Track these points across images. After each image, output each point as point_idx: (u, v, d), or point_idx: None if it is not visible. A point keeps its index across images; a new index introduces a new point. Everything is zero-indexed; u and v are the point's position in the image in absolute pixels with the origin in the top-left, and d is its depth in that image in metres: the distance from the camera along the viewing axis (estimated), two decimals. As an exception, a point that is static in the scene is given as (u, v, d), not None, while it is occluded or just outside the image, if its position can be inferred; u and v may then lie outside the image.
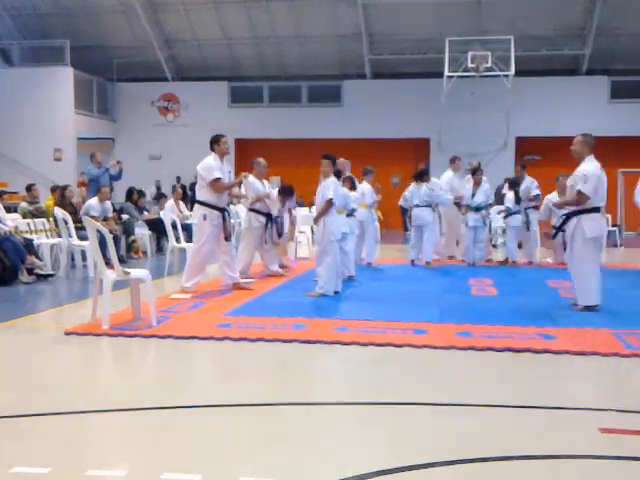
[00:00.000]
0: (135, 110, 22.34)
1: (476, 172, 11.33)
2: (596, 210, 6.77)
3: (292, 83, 22.10)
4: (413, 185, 11.25)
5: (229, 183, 8.21)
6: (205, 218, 7.98)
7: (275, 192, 9.56)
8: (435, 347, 5.41)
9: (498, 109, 19.65)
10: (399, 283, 9.22)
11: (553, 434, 3.65)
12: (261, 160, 9.46)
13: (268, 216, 9.29)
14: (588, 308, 6.84)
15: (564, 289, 8.33)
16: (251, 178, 9.10)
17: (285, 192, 9.71)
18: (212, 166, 7.95)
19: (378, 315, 6.67)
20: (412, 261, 11.27)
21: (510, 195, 11.39)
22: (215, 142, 8.07)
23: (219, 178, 7.93)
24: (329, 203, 7.80)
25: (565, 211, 7.01)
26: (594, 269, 6.81)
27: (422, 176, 11.22)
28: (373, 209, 11.19)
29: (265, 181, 9.55)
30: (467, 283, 9.18)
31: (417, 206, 11.09)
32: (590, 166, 6.73)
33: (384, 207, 16.94)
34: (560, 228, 7.11)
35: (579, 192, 6.62)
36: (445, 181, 11.87)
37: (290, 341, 5.57)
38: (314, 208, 8.30)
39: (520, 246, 11.67)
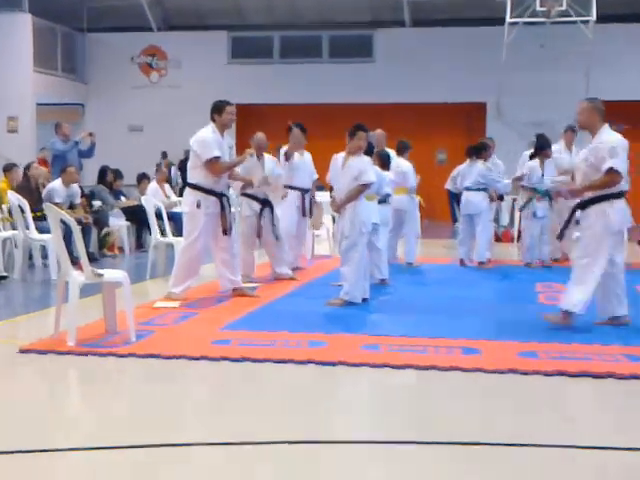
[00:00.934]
0: (111, 68, 22.45)
1: (546, 147, 11.22)
2: (620, 195, 6.70)
3: (309, 33, 22.06)
4: (466, 163, 11.20)
5: (230, 162, 8.21)
6: (198, 206, 7.99)
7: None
8: (491, 371, 5.39)
9: (575, 65, 19.47)
10: (444, 288, 9.21)
11: (641, 484, 3.63)
12: (258, 135, 9.47)
13: (264, 203, 9.27)
14: (566, 316, 6.73)
15: (658, 297, 8.26)
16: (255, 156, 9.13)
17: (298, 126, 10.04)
18: (209, 141, 7.93)
19: (417, 330, 6.65)
20: (461, 260, 11.24)
21: None
22: (217, 111, 8.05)
23: (218, 157, 7.94)
24: (365, 187, 7.79)
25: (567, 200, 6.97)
26: (598, 271, 6.62)
27: (479, 151, 11.15)
28: (413, 194, 11.18)
29: (268, 155, 9.55)
30: (533, 289, 9.14)
31: (468, 189, 11.04)
32: (612, 136, 6.69)
33: (426, 191, 16.90)
34: (569, 222, 7.03)
35: (610, 170, 6.52)
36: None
37: (305, 362, 5.57)
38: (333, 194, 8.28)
39: None
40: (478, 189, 10.99)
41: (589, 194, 6.72)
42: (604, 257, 6.61)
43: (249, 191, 9.18)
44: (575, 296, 6.66)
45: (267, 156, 9.55)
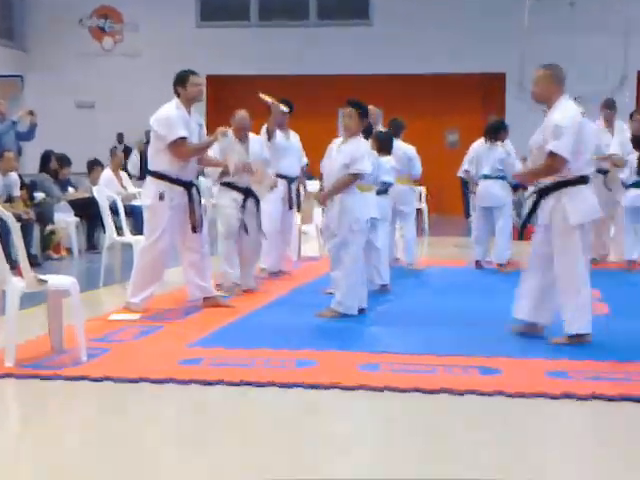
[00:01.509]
0: (55, 33, 22.38)
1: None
2: (582, 181, 6.72)
3: (294, -10, 22.10)
4: (482, 144, 11.18)
5: (199, 144, 8.20)
6: (162, 197, 7.98)
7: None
8: (514, 395, 5.38)
9: (611, 29, 19.53)
10: (457, 296, 9.24)
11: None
12: (240, 114, 9.41)
13: (247, 193, 9.19)
14: (576, 338, 6.70)
15: None
16: (231, 136, 9.09)
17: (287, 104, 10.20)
18: (173, 119, 7.94)
19: (425, 346, 6.67)
20: (477, 262, 11.30)
21: (633, 158, 11.17)
22: (180, 82, 8.06)
23: (184, 137, 7.94)
24: (355, 177, 7.76)
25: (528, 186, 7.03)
26: (583, 275, 6.68)
27: (498, 131, 11.17)
28: (415, 184, 11.24)
29: (254, 136, 9.51)
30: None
31: (486, 177, 11.06)
32: (564, 112, 6.67)
33: (433, 180, 16.93)
34: (532, 213, 7.07)
35: (550, 153, 6.55)
36: None
37: (290, 385, 5.57)
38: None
39: None
40: (497, 177, 11.00)
41: (546, 181, 6.75)
42: (579, 255, 6.62)
43: (228, 179, 9.06)
44: (569, 308, 6.67)
45: (253, 137, 9.48)
